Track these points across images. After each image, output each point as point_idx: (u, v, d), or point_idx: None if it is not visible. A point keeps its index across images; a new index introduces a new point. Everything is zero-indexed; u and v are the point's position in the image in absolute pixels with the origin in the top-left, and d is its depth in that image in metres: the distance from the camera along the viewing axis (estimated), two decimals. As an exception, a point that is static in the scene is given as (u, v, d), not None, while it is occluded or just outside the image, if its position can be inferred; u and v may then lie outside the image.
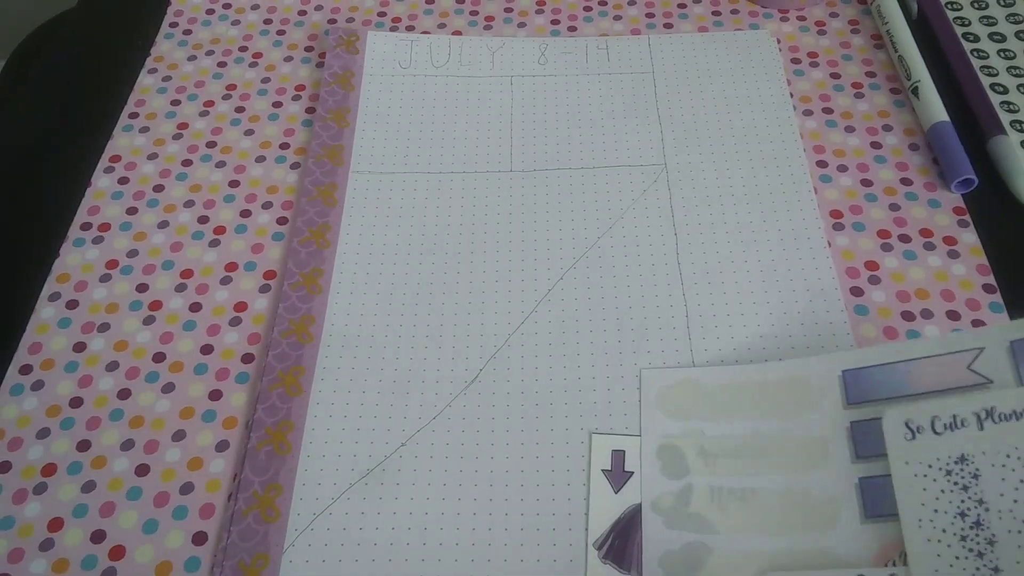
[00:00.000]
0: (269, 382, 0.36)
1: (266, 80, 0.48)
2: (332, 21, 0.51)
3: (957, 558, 0.29)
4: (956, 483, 0.30)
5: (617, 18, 0.50)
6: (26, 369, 0.37)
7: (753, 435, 0.34)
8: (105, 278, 0.40)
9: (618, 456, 0.34)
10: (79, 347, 0.38)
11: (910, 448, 0.31)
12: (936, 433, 0.30)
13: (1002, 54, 0.47)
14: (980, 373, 0.31)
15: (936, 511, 0.30)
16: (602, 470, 0.34)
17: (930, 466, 0.30)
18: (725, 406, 0.35)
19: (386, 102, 0.46)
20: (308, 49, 0.50)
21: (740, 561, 0.31)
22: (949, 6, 0.50)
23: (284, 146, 0.45)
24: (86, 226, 0.42)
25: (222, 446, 0.35)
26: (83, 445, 0.35)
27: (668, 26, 0.49)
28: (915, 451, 0.30)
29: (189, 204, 0.43)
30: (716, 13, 0.50)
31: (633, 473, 0.34)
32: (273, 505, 0.33)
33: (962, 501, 0.29)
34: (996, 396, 0.30)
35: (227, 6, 0.52)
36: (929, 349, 0.32)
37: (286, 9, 0.52)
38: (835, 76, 0.47)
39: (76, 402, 0.36)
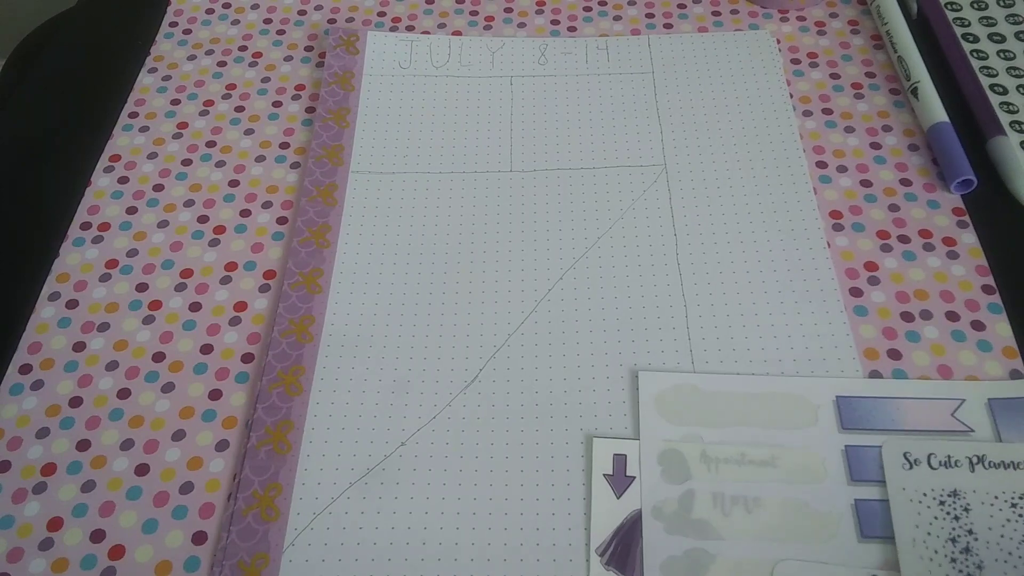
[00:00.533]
0: (269, 382, 0.36)
1: (266, 80, 0.48)
2: (332, 21, 0.51)
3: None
4: (948, 512, 0.32)
5: (617, 18, 0.50)
6: (26, 369, 0.37)
7: (753, 444, 0.34)
8: (105, 278, 0.40)
9: (620, 460, 0.34)
10: (79, 347, 0.38)
11: (907, 476, 0.33)
12: (931, 468, 0.33)
13: (1002, 55, 0.47)
14: (962, 421, 0.34)
15: (929, 534, 0.32)
16: (603, 475, 0.34)
17: (924, 494, 0.32)
18: (724, 413, 0.35)
19: (386, 102, 0.46)
20: (308, 49, 0.50)
21: (743, 568, 0.31)
22: (949, 6, 0.50)
23: (284, 146, 0.45)
24: (86, 226, 0.42)
25: (222, 446, 0.35)
26: (83, 445, 0.35)
27: (668, 26, 0.50)
28: (911, 479, 0.33)
29: (189, 204, 0.43)
30: (716, 13, 0.50)
31: (635, 478, 0.33)
32: (273, 504, 0.33)
33: (953, 528, 0.32)
34: (987, 447, 0.33)
35: (227, 6, 0.52)
36: (917, 391, 0.35)
37: (286, 9, 0.52)
38: (835, 76, 0.47)
39: (76, 402, 0.36)
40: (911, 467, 0.33)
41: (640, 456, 0.34)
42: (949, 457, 0.33)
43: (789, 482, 0.33)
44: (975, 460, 0.33)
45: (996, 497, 0.32)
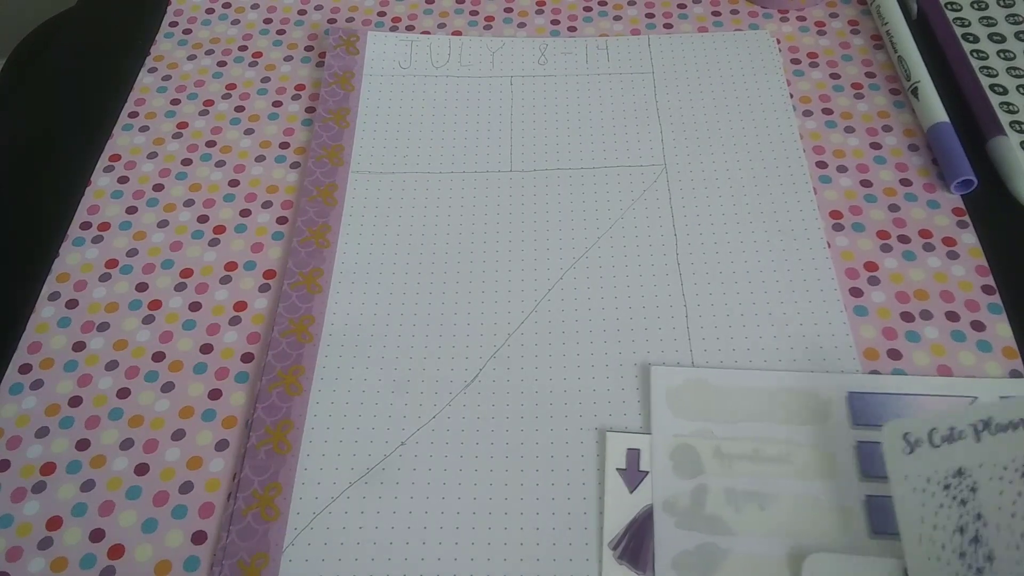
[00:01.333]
0: (269, 381, 0.36)
1: (266, 80, 0.48)
2: (332, 21, 0.51)
3: (957, 575, 0.30)
4: (954, 497, 0.30)
5: (617, 18, 0.50)
6: (25, 368, 0.37)
7: (764, 439, 0.34)
8: (105, 277, 0.40)
9: (633, 455, 0.34)
10: (79, 346, 0.38)
11: (908, 462, 0.31)
12: (934, 446, 0.31)
13: (1002, 55, 0.47)
14: None
15: (935, 527, 0.30)
16: (616, 469, 0.34)
17: (928, 480, 0.31)
18: (735, 408, 0.35)
19: (386, 102, 0.46)
20: (308, 49, 0.50)
21: (755, 563, 0.31)
22: (949, 6, 0.50)
23: (284, 146, 0.45)
24: (86, 225, 0.42)
25: (221, 445, 0.35)
26: (82, 444, 0.35)
27: (668, 26, 0.50)
28: (913, 465, 0.31)
29: (189, 203, 0.43)
30: (716, 13, 0.50)
31: (648, 472, 0.33)
32: (273, 504, 0.33)
33: (960, 516, 0.30)
34: (993, 408, 0.31)
35: (227, 6, 0.52)
36: (929, 388, 0.35)
37: (286, 9, 0.52)
38: (835, 76, 0.47)
39: (75, 401, 0.36)
40: (912, 450, 0.31)
41: (651, 451, 0.34)
42: (952, 430, 0.31)
43: (801, 478, 0.33)
44: (980, 427, 0.31)
45: (1005, 468, 0.31)
